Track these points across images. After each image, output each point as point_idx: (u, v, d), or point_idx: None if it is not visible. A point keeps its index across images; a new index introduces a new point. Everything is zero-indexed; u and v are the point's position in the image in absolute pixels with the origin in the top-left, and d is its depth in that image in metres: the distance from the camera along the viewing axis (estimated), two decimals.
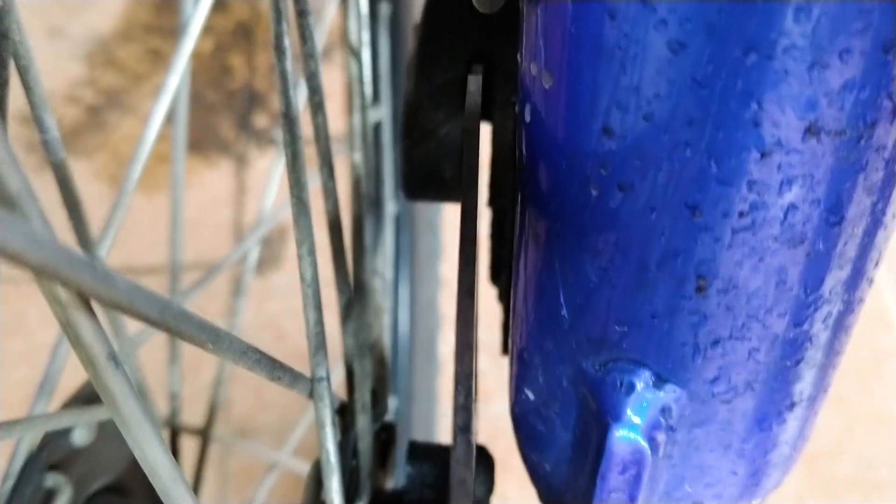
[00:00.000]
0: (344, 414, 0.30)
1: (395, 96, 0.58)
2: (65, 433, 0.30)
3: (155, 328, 0.15)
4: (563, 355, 0.25)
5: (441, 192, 0.33)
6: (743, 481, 0.27)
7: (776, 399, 0.24)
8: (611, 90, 0.19)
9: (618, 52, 0.18)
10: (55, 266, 0.11)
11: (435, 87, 0.31)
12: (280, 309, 1.01)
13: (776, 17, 0.17)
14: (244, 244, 0.46)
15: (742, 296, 0.21)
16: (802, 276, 0.21)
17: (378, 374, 0.32)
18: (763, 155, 0.18)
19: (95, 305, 0.14)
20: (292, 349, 0.96)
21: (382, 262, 0.56)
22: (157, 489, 0.17)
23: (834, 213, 0.20)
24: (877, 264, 0.23)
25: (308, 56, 0.26)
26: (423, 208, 0.70)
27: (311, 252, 0.25)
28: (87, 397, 0.31)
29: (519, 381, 0.28)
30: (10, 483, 0.27)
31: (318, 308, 0.25)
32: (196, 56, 1.22)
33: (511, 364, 0.29)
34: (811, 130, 0.18)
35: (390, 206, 0.59)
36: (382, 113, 0.55)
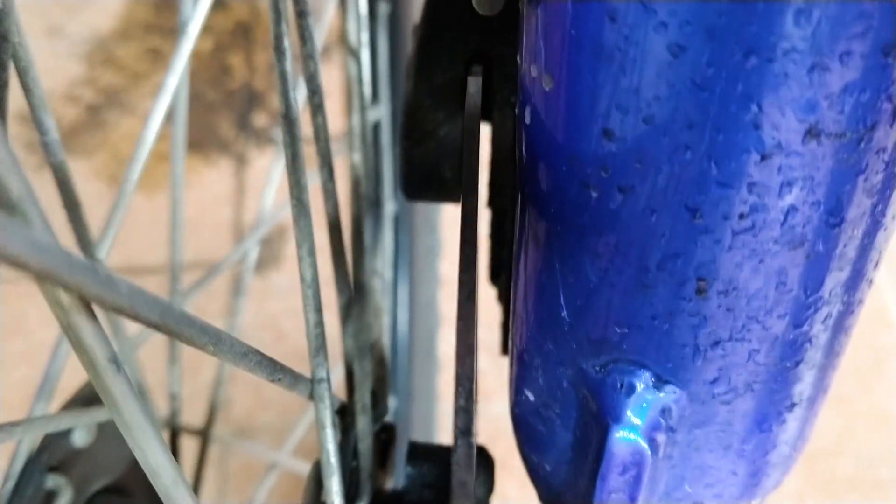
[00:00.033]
0: (344, 415, 0.30)
1: (394, 96, 0.58)
2: (65, 434, 0.30)
3: (157, 331, 0.15)
4: (564, 356, 0.25)
5: (441, 193, 0.33)
6: (743, 481, 0.27)
7: (776, 400, 0.24)
8: (611, 92, 0.19)
9: (618, 54, 0.18)
10: (57, 270, 0.11)
11: (434, 87, 0.31)
12: (280, 309, 1.01)
13: (776, 20, 0.17)
14: (243, 244, 0.46)
15: (742, 297, 0.21)
16: (802, 278, 0.21)
17: (378, 374, 0.32)
18: (763, 157, 0.18)
19: (95, 307, 0.14)
20: (292, 349, 0.96)
21: (381, 261, 0.56)
22: (158, 491, 0.17)
23: (834, 215, 0.20)
24: (876, 265, 0.23)
25: (308, 57, 0.26)
26: (421, 207, 0.70)
27: (312, 253, 0.25)
28: (86, 398, 0.31)
29: (519, 382, 0.28)
30: (11, 484, 0.27)
31: (319, 309, 0.25)
32: (195, 55, 1.22)
33: (511, 365, 0.29)
34: (811, 133, 0.18)
35: (389, 206, 0.59)
36: (381, 112, 0.55)
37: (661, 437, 0.24)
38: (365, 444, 0.30)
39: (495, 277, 0.35)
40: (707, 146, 0.18)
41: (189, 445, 0.43)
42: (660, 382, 0.23)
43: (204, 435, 0.44)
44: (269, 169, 0.51)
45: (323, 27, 0.50)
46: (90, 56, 1.24)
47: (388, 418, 0.33)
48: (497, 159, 0.31)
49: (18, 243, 0.11)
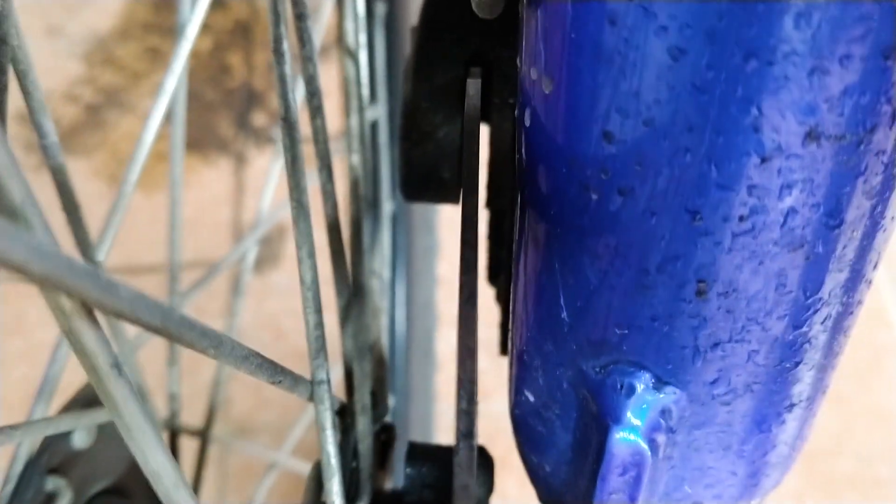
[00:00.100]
0: (344, 415, 0.30)
1: (392, 96, 0.58)
2: (65, 436, 0.30)
3: (157, 335, 0.15)
4: (563, 357, 0.25)
5: (440, 194, 0.33)
6: (742, 482, 0.27)
7: (775, 400, 0.25)
8: (611, 95, 0.19)
9: (618, 57, 0.18)
10: (58, 276, 0.11)
11: (433, 88, 0.31)
12: (279, 308, 1.01)
13: (776, 22, 0.17)
14: (242, 244, 0.46)
15: (742, 299, 0.21)
16: (802, 280, 0.21)
17: (377, 375, 0.32)
18: (763, 160, 0.18)
19: (96, 311, 0.14)
20: (292, 348, 0.96)
21: (380, 261, 0.56)
22: (159, 494, 0.17)
23: (833, 217, 0.20)
24: (875, 266, 0.23)
25: (306, 59, 0.26)
26: (419, 207, 0.70)
27: (311, 255, 0.25)
28: (86, 400, 0.31)
29: (519, 383, 0.28)
30: (11, 487, 0.27)
31: (318, 311, 0.25)
32: (194, 55, 1.22)
33: (511, 365, 0.29)
34: (811, 135, 0.18)
35: (387, 206, 0.59)
36: (379, 112, 0.55)
37: (660, 438, 0.24)
38: (365, 444, 0.30)
39: (494, 278, 0.35)
40: (707, 149, 0.19)
41: (189, 445, 0.43)
42: (660, 383, 0.23)
43: (203, 435, 0.44)
44: (267, 169, 0.51)
45: (321, 27, 0.50)
46: (90, 56, 1.24)
47: (387, 418, 0.33)
48: (496, 160, 0.31)
49: (20, 249, 0.11)
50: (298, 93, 0.39)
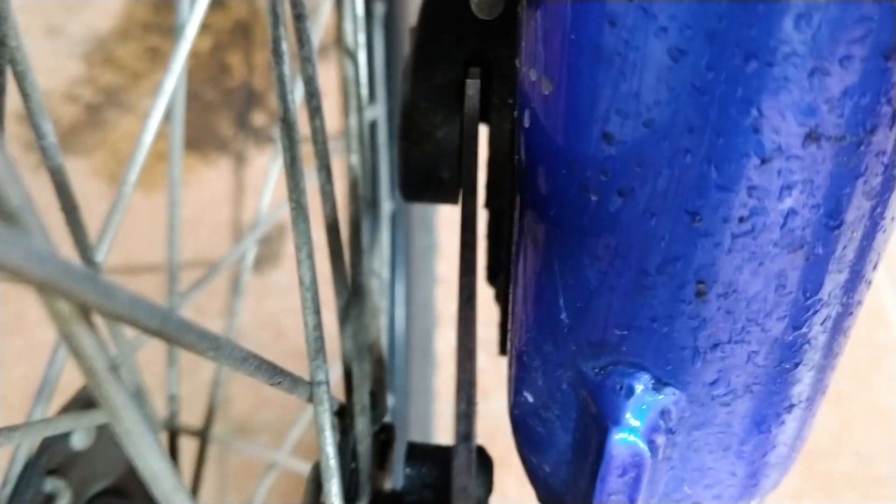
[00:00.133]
0: (343, 416, 0.30)
1: (391, 95, 0.58)
2: (64, 437, 0.30)
3: (156, 338, 0.15)
4: (563, 358, 0.25)
5: (439, 194, 0.33)
6: (742, 482, 0.27)
7: (775, 401, 0.24)
8: (610, 96, 0.19)
9: (617, 58, 0.18)
10: (56, 280, 0.11)
11: (433, 88, 0.31)
12: (279, 307, 1.01)
13: (777, 23, 0.17)
14: (242, 245, 0.46)
15: (742, 300, 0.21)
16: (802, 280, 0.21)
17: (376, 375, 0.32)
18: (763, 161, 0.18)
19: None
20: (291, 347, 0.96)
21: (379, 261, 0.56)
22: (157, 497, 0.17)
23: (833, 218, 0.20)
24: (875, 267, 0.23)
25: (305, 60, 0.26)
26: (418, 207, 0.70)
27: (310, 256, 0.25)
28: (85, 401, 0.31)
29: (518, 384, 0.28)
30: (9, 488, 0.27)
31: (317, 312, 0.25)
32: (194, 54, 1.22)
33: (510, 366, 0.29)
34: (811, 136, 0.18)
35: (386, 206, 0.59)
36: (378, 112, 0.55)
37: (660, 439, 0.24)
38: (364, 445, 0.30)
39: (493, 278, 0.35)
40: (707, 150, 0.18)
41: (188, 445, 0.43)
42: (659, 384, 0.23)
43: (203, 436, 0.44)
44: (267, 168, 0.51)
45: (320, 27, 0.50)
46: (90, 55, 1.24)
47: (386, 417, 0.33)
48: (495, 161, 0.31)
49: (18, 253, 0.11)
50: (297, 93, 0.39)
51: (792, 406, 0.25)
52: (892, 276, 1.03)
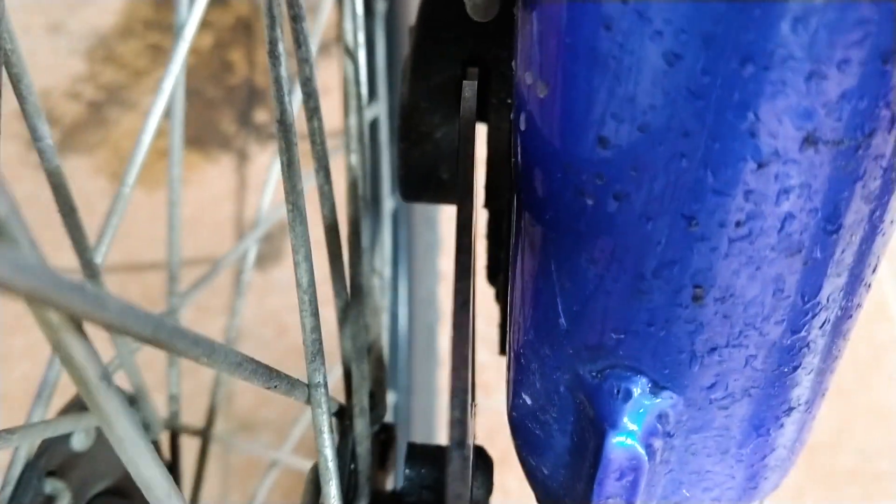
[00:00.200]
0: (342, 417, 0.30)
1: (392, 93, 0.57)
2: (63, 438, 0.30)
3: (150, 345, 0.15)
4: (560, 361, 0.25)
5: (438, 194, 0.33)
6: (740, 485, 0.27)
7: (774, 405, 0.24)
8: (606, 100, 0.19)
9: (612, 62, 0.18)
10: (44, 292, 0.11)
11: (431, 88, 0.30)
12: (281, 304, 1.01)
13: (773, 27, 0.16)
14: (243, 243, 0.46)
15: (739, 304, 0.21)
16: (800, 284, 0.21)
17: (376, 376, 0.32)
18: (760, 165, 0.18)
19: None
20: (294, 344, 0.96)
21: (380, 259, 0.56)
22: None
23: (831, 222, 0.20)
24: (875, 270, 0.23)
25: (303, 61, 0.26)
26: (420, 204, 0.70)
27: (308, 258, 0.25)
28: (84, 402, 0.31)
29: (516, 386, 0.28)
30: (9, 489, 0.27)
31: (315, 315, 0.25)
32: (196, 52, 1.22)
33: (509, 368, 0.29)
34: (809, 140, 0.18)
35: (388, 203, 0.59)
36: (379, 110, 0.55)
37: (658, 443, 0.24)
38: (363, 446, 0.30)
39: (493, 278, 0.35)
40: (703, 154, 0.18)
41: (190, 444, 0.43)
42: (657, 388, 0.23)
43: (204, 435, 0.44)
44: (268, 166, 0.51)
45: (320, 25, 0.50)
46: (91, 53, 1.24)
47: (388, 415, 0.33)
48: (494, 160, 0.31)
49: (4, 266, 0.11)
50: (295, 94, 0.39)
51: (791, 409, 0.25)
52: (894, 271, 1.02)
